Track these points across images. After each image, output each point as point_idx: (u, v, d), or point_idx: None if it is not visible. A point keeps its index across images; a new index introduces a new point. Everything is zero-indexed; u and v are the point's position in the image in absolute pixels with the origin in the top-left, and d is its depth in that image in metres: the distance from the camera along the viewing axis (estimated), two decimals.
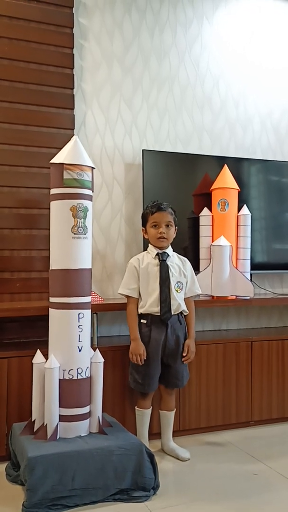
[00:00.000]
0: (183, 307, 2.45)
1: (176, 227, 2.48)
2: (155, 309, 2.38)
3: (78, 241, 2.17)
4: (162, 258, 2.42)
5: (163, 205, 2.43)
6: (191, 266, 2.53)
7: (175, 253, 2.50)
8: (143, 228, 2.50)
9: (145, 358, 2.37)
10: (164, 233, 2.40)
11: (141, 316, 2.43)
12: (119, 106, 3.11)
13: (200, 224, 3.00)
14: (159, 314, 2.38)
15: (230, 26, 3.42)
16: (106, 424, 2.26)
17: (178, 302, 2.41)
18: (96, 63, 3.06)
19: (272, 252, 3.34)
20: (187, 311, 2.48)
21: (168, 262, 2.43)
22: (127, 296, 2.45)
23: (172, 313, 2.39)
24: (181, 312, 2.46)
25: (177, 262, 2.47)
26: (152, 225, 2.43)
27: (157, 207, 2.42)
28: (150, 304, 2.38)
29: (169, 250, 2.47)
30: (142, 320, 2.42)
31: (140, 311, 2.42)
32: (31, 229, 2.77)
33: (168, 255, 2.44)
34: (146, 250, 2.51)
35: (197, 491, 2.12)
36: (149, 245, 2.48)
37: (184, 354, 2.44)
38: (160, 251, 2.43)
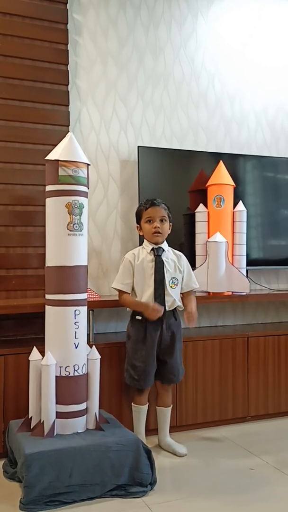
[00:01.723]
0: (178, 303, 2.45)
1: (171, 224, 2.48)
2: None
3: (73, 238, 2.17)
4: (157, 253, 2.42)
5: (157, 201, 2.44)
6: (187, 260, 2.53)
7: (170, 248, 2.50)
8: (138, 225, 2.50)
9: (145, 317, 2.36)
10: (159, 227, 2.40)
11: (136, 312, 2.43)
12: (114, 102, 3.10)
13: (195, 220, 3.00)
14: None
15: (225, 22, 3.41)
16: (103, 420, 2.26)
17: (173, 298, 2.41)
18: (91, 59, 3.05)
19: (268, 248, 3.35)
20: (182, 306, 2.48)
21: (163, 257, 2.43)
22: (120, 291, 2.45)
23: (167, 309, 2.39)
24: (176, 308, 2.46)
25: (172, 257, 2.47)
26: (147, 221, 2.43)
27: (151, 203, 2.43)
28: (145, 299, 2.38)
29: (164, 245, 2.47)
30: (137, 317, 2.42)
31: None
32: (26, 226, 2.77)
33: (163, 250, 2.44)
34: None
35: (194, 486, 2.12)
36: (144, 240, 2.48)
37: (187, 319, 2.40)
38: (155, 246, 2.44)
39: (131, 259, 2.44)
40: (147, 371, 2.40)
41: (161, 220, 2.42)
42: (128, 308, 2.48)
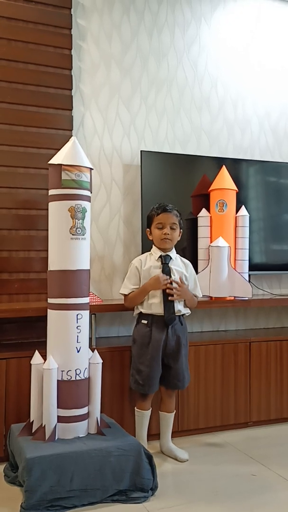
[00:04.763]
0: (184, 311, 2.45)
1: (181, 230, 2.48)
2: (157, 310, 2.38)
3: (76, 242, 2.17)
4: (164, 261, 2.41)
5: (169, 207, 2.44)
6: (193, 269, 2.53)
7: (178, 256, 2.50)
8: (148, 229, 2.50)
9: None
10: (168, 234, 2.40)
11: (142, 316, 2.43)
12: (117, 107, 3.11)
13: (198, 225, 3.00)
14: (161, 315, 2.37)
15: (228, 27, 3.42)
16: (105, 425, 2.26)
17: (178, 307, 2.41)
18: (95, 64, 3.07)
19: (270, 253, 3.34)
20: (190, 311, 2.49)
21: (171, 265, 2.42)
22: (127, 296, 2.44)
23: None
24: (182, 314, 2.46)
25: (179, 265, 2.47)
26: (157, 226, 2.43)
27: (163, 209, 2.42)
28: (153, 304, 2.38)
29: (172, 253, 2.47)
30: (143, 321, 2.42)
31: (141, 310, 2.42)
32: (29, 230, 2.77)
33: (171, 258, 2.44)
34: (148, 251, 2.50)
35: (195, 492, 2.12)
36: (153, 246, 2.48)
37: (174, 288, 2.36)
38: (163, 254, 2.43)
39: (137, 265, 2.44)
40: (151, 376, 2.39)
41: (172, 227, 2.42)
42: (134, 313, 2.47)
